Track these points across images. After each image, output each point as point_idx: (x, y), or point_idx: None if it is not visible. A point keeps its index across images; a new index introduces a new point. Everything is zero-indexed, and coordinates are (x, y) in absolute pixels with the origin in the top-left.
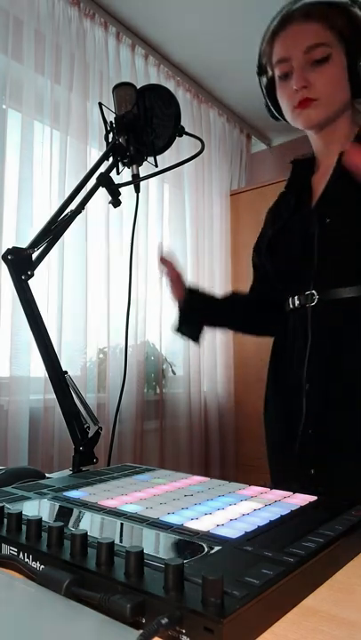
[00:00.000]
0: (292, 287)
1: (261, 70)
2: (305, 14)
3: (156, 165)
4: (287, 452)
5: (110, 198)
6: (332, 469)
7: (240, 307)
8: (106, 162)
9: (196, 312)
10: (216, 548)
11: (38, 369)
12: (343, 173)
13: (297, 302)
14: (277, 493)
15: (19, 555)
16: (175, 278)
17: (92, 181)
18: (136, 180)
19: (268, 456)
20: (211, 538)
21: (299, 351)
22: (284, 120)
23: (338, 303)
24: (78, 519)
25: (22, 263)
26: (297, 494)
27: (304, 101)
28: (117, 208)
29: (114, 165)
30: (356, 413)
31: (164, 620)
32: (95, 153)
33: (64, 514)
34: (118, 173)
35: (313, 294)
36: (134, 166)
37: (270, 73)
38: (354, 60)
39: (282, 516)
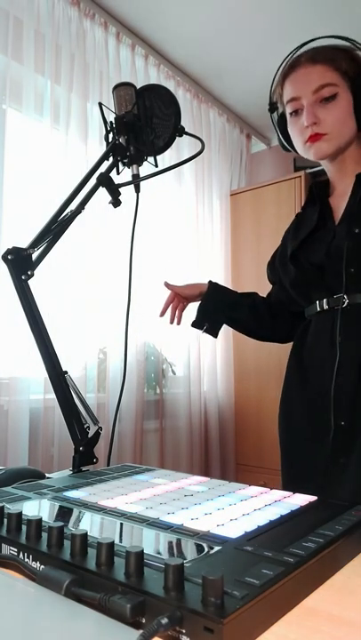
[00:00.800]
0: (318, 292)
1: (273, 107)
2: (311, 58)
3: (156, 165)
4: (317, 444)
5: (110, 198)
6: (359, 457)
7: (258, 308)
8: (106, 162)
9: (220, 307)
10: (216, 548)
11: (38, 369)
12: None
13: (325, 305)
14: (277, 493)
15: (19, 555)
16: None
17: (92, 181)
18: (136, 180)
19: (284, 451)
20: (211, 538)
21: (326, 349)
22: (295, 151)
23: None
24: (78, 519)
25: (22, 263)
26: (297, 494)
27: (314, 136)
28: (117, 208)
29: (114, 165)
30: None
31: (164, 620)
32: (95, 153)
33: (64, 514)
34: (118, 173)
35: (343, 297)
36: (134, 166)
37: (281, 109)
38: (359, 96)
39: (282, 515)
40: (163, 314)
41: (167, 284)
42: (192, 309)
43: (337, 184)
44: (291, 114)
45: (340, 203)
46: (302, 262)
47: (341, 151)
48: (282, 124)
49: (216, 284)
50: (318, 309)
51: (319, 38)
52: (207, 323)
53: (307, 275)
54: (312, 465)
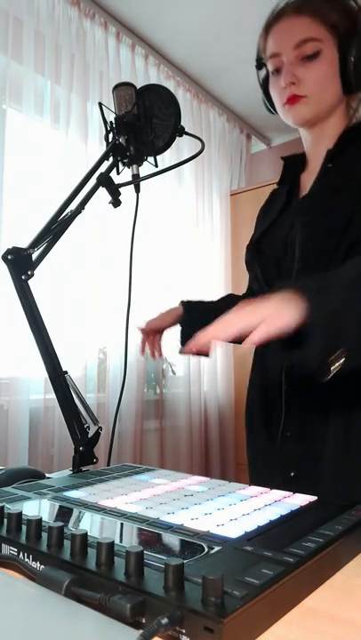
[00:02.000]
0: (275, 287)
1: (260, 64)
2: (297, 8)
3: (156, 165)
4: (268, 454)
5: (110, 198)
6: (311, 471)
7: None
8: (106, 162)
9: (201, 325)
10: (216, 548)
11: (38, 369)
12: (326, 174)
13: None
14: (277, 493)
15: (19, 555)
16: (151, 337)
17: (92, 181)
18: (136, 180)
19: (248, 457)
20: (211, 538)
21: (277, 354)
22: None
23: None
24: (78, 519)
25: (22, 263)
26: (297, 494)
27: (293, 98)
28: (117, 208)
29: (114, 165)
30: (334, 413)
31: (164, 620)
32: (95, 153)
33: (64, 514)
34: (118, 173)
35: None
36: (134, 166)
37: (267, 67)
38: (346, 54)
39: (282, 515)
40: (143, 352)
41: (139, 329)
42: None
43: (311, 157)
44: (272, 72)
45: (309, 180)
46: (264, 253)
47: (322, 117)
48: (267, 84)
49: (189, 303)
50: None
51: None
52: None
53: (265, 266)
54: (272, 473)
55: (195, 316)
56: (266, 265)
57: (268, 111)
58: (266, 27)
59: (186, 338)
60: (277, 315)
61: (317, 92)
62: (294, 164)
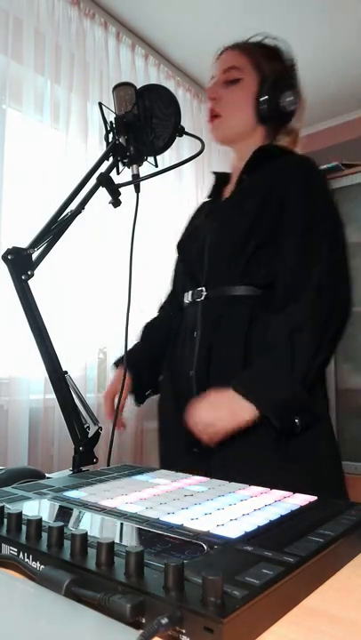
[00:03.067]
0: (191, 284)
1: None
2: (236, 45)
3: (156, 165)
4: (177, 434)
5: (110, 198)
6: (210, 448)
7: (161, 336)
8: (106, 162)
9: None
10: (216, 548)
11: (38, 369)
12: (241, 183)
13: (190, 298)
14: (277, 493)
15: (19, 555)
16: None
17: (93, 181)
18: (136, 180)
19: (159, 439)
20: (211, 538)
21: (187, 342)
22: None
23: (222, 300)
24: (78, 519)
25: (22, 263)
26: (297, 494)
27: (212, 116)
28: (117, 208)
29: (114, 165)
30: None
31: (164, 620)
32: (95, 153)
33: (64, 514)
34: (118, 173)
35: (202, 291)
36: (134, 166)
37: None
38: (262, 90)
39: (282, 515)
40: (109, 417)
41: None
42: None
43: (234, 172)
44: None
45: (230, 190)
46: (184, 254)
47: (239, 138)
48: None
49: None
50: (186, 301)
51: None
52: (147, 389)
53: (185, 266)
54: (178, 455)
55: (139, 375)
56: (185, 263)
57: None
58: (216, 56)
59: (141, 396)
60: (232, 416)
61: (230, 114)
62: (222, 179)
